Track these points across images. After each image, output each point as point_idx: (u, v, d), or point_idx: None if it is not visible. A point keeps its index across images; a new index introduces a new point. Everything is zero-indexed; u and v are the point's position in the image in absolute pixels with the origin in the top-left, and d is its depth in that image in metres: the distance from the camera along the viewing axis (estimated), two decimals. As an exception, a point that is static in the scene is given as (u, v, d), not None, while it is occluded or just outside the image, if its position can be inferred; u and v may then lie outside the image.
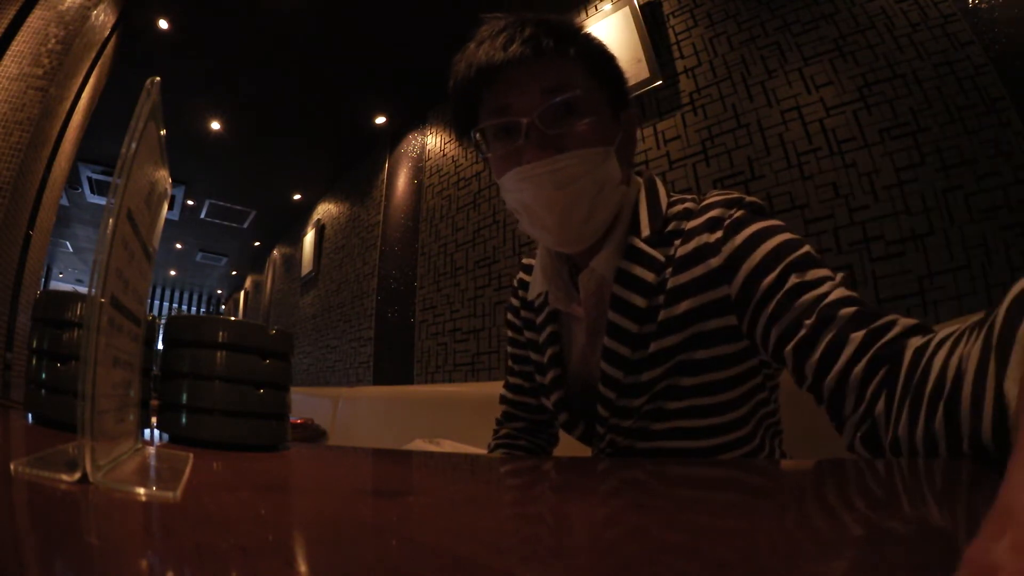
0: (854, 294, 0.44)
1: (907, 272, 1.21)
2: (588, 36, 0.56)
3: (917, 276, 1.20)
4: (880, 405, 0.37)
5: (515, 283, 0.74)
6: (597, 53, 0.56)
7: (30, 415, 0.36)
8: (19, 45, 1.83)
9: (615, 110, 0.56)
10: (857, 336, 0.40)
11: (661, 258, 0.53)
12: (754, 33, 1.60)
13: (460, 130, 0.59)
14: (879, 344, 0.39)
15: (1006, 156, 1.13)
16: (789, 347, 0.44)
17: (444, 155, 2.78)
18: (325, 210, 4.14)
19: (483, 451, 0.80)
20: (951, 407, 0.30)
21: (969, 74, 1.20)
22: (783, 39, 1.54)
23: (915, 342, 0.38)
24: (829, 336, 0.41)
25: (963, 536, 0.17)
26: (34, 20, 1.88)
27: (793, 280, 0.45)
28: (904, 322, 0.40)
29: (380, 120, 3.19)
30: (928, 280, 1.18)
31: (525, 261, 0.74)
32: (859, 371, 0.39)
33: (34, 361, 0.36)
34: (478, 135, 0.56)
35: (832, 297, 0.43)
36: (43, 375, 0.35)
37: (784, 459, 0.60)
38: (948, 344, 0.33)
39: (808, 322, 0.43)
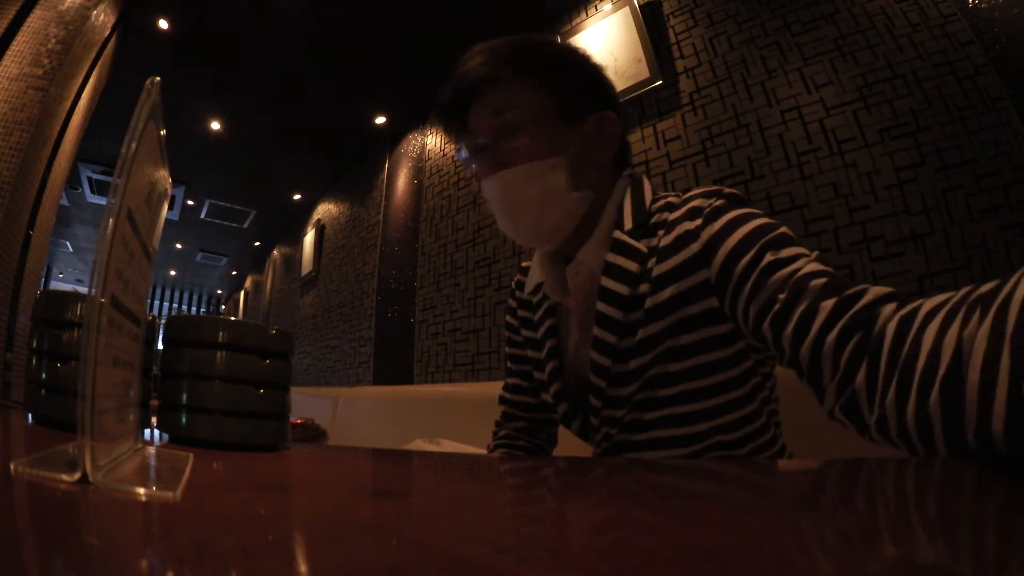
0: (827, 268, 0.44)
1: (907, 272, 1.21)
2: (536, 51, 0.59)
3: (917, 276, 1.20)
4: (860, 377, 0.37)
5: (513, 284, 0.77)
6: (546, 66, 0.58)
7: (30, 415, 0.36)
8: (19, 45, 1.83)
9: (570, 119, 0.58)
10: (828, 304, 0.41)
11: (644, 249, 0.55)
12: (754, 33, 1.60)
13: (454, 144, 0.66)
14: (851, 311, 0.39)
15: (1006, 156, 1.13)
16: (766, 322, 0.45)
17: (444, 155, 2.78)
18: (325, 210, 4.14)
19: (483, 451, 0.80)
20: (949, 389, 0.30)
21: (969, 74, 1.20)
22: (783, 39, 1.54)
23: (888, 310, 0.38)
24: (801, 307, 0.42)
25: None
26: (34, 20, 1.88)
27: (768, 258, 0.47)
28: (876, 290, 0.40)
29: (380, 120, 3.19)
30: (928, 280, 1.18)
31: (524, 264, 0.76)
32: (832, 339, 0.39)
33: (34, 361, 0.36)
34: (463, 150, 0.62)
35: (804, 271, 0.44)
36: (43, 375, 0.35)
37: (786, 459, 0.60)
38: (940, 317, 0.32)
39: (782, 296, 0.44)
